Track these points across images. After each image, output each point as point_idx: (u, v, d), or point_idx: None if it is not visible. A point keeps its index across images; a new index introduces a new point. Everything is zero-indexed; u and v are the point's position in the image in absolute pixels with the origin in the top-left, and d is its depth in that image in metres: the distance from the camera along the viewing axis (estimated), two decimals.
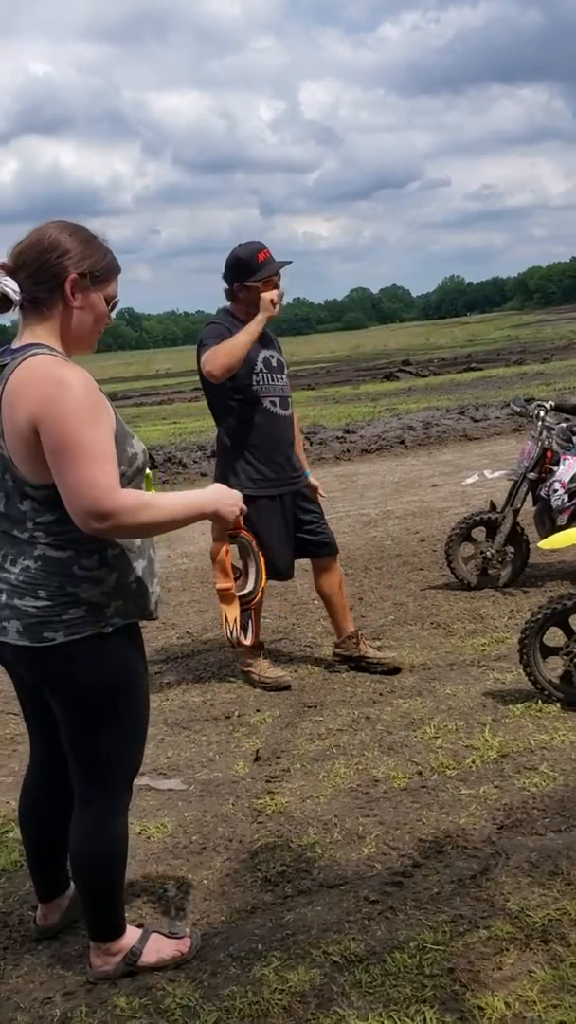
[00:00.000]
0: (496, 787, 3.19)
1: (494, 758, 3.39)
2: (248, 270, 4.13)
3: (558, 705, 3.77)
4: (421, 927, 2.47)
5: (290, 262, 4.21)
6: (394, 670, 4.37)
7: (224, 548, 2.43)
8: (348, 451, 12.77)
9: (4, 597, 2.14)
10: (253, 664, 4.44)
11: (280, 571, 4.25)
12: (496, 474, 5.87)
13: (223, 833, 3.09)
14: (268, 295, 4.07)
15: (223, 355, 3.99)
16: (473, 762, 3.38)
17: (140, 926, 2.49)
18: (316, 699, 4.16)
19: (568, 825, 2.90)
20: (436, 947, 2.38)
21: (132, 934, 2.43)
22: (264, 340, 4.22)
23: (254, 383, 4.17)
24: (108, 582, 2.13)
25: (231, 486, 3.95)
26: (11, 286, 2.07)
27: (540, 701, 3.81)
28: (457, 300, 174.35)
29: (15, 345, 2.12)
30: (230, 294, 4.22)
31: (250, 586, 2.54)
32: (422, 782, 3.28)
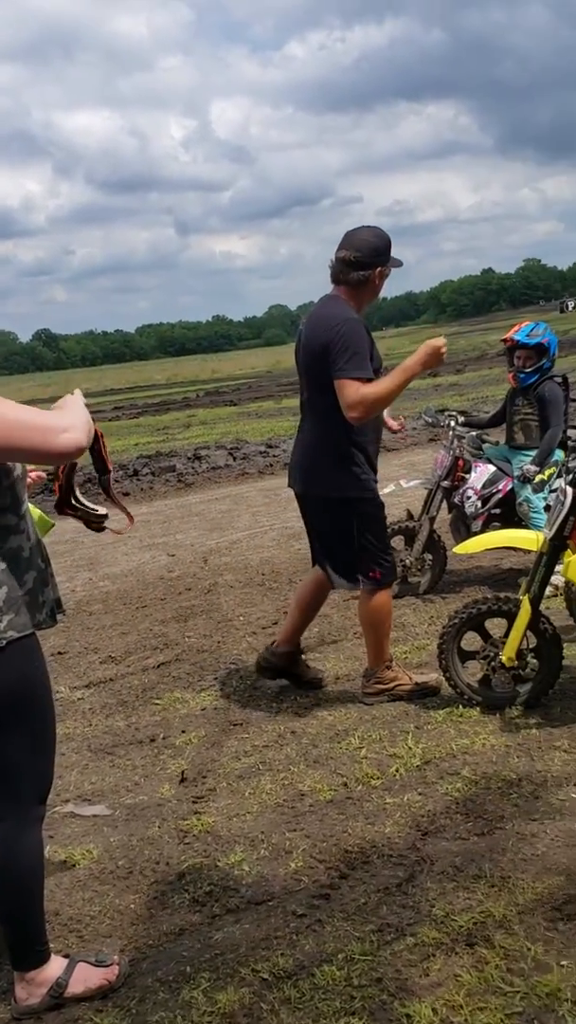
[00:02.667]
0: (420, 794, 3.23)
1: (417, 765, 3.43)
2: (388, 255, 3.84)
3: (478, 709, 3.84)
4: (349, 938, 2.48)
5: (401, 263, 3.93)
6: (320, 685, 4.36)
7: None
8: (271, 465, 12.83)
9: None
10: (396, 676, 4.06)
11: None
12: (411, 483, 5.97)
13: (150, 856, 3.06)
14: (438, 342, 3.78)
15: (376, 402, 3.65)
16: (397, 771, 3.41)
17: (66, 956, 2.45)
18: (242, 716, 4.15)
19: (490, 827, 2.95)
20: (364, 957, 2.39)
21: (57, 964, 2.38)
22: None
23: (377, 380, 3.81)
24: None
25: (363, 489, 3.85)
26: None
27: (461, 706, 3.88)
28: (373, 315, 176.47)
29: None
30: (361, 279, 3.79)
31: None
32: (347, 793, 3.30)
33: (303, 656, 4.44)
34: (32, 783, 2.29)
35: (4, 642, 2.16)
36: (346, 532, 3.91)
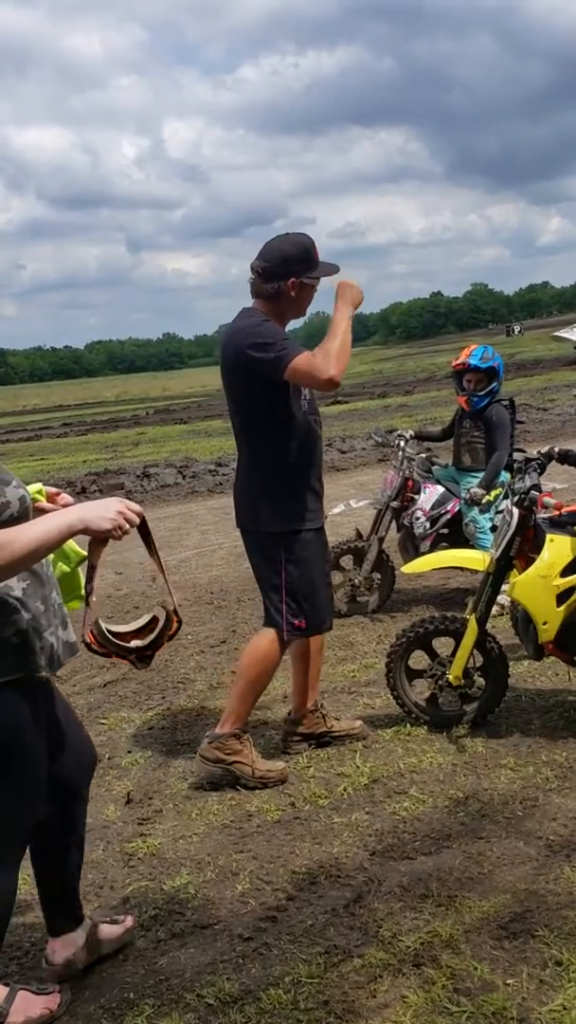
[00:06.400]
0: (367, 813, 3.22)
1: (365, 784, 3.42)
2: (312, 264, 3.43)
3: (425, 727, 3.85)
4: (295, 961, 2.45)
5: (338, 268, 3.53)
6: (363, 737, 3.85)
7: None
8: (221, 484, 12.79)
9: None
10: (241, 751, 3.56)
11: (327, 623, 3.68)
12: (361, 503, 6.01)
13: (93, 880, 3.00)
14: (357, 290, 3.42)
15: (340, 357, 3.26)
16: (345, 790, 3.40)
17: (6, 984, 2.38)
18: (189, 736, 4.11)
19: (437, 847, 2.96)
20: (310, 980, 2.37)
21: None
22: None
23: (304, 398, 3.50)
24: None
25: (292, 522, 3.45)
26: None
27: (408, 724, 3.88)
28: (324, 335, 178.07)
29: None
30: (273, 291, 3.41)
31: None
32: (295, 813, 3.28)
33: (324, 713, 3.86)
34: (8, 828, 2.20)
35: None
36: (273, 571, 3.53)
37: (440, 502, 5.67)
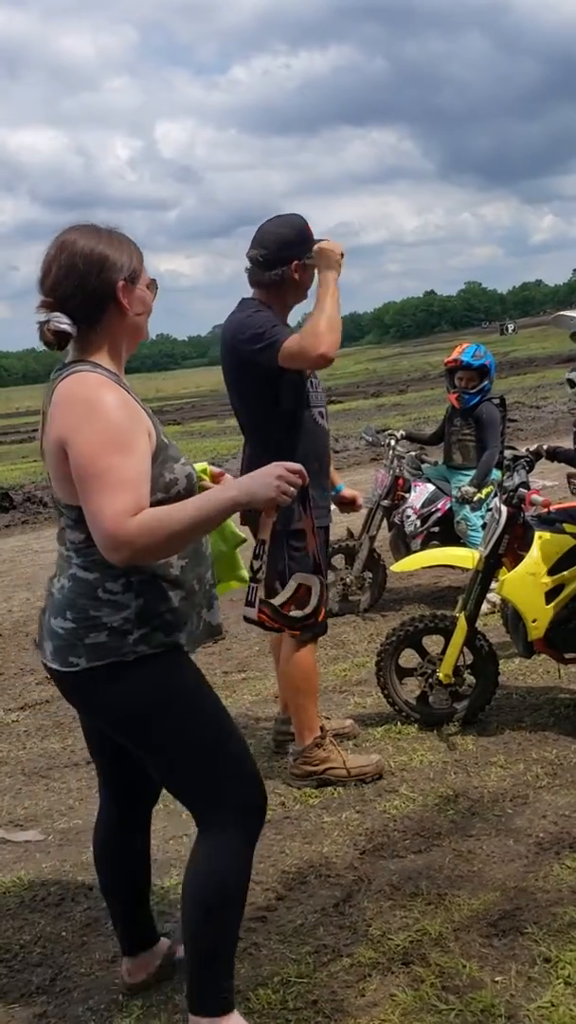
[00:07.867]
0: (358, 812, 3.21)
1: (356, 783, 3.42)
2: (310, 244, 3.30)
3: (416, 726, 3.85)
4: (285, 961, 2.45)
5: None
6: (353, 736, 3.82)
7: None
8: None
9: (47, 614, 2.07)
10: (328, 757, 3.44)
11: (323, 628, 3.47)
12: None
13: (83, 882, 2.99)
14: (334, 246, 3.28)
15: (330, 331, 3.15)
16: (335, 789, 3.39)
17: None
18: None
19: (427, 845, 2.95)
20: (299, 980, 2.36)
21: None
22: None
23: (307, 388, 3.40)
24: (132, 608, 1.98)
25: (289, 520, 3.16)
26: (64, 321, 1.96)
27: (399, 723, 3.88)
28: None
29: (67, 359, 2.02)
30: (277, 278, 3.31)
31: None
32: (285, 813, 3.27)
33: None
34: (207, 797, 2.07)
35: (133, 656, 1.97)
36: (279, 569, 3.28)
37: (430, 500, 5.67)
